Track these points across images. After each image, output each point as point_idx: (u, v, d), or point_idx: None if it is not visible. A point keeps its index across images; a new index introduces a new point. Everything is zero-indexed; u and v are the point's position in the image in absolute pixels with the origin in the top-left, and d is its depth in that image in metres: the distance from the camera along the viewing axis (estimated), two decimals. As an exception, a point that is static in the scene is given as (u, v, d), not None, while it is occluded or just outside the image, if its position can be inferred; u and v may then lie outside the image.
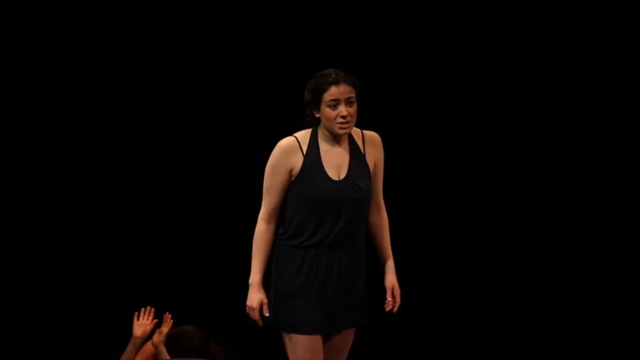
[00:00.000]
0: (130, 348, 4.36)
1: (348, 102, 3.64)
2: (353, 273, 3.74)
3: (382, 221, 3.85)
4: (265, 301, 3.72)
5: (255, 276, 3.73)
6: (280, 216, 3.74)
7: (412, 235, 6.57)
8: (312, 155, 3.66)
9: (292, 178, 3.67)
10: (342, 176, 3.67)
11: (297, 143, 3.69)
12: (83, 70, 6.80)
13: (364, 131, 3.80)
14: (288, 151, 3.68)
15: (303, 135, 3.73)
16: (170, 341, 4.46)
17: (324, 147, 3.68)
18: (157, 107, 6.99)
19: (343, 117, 3.62)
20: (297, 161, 3.66)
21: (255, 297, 3.73)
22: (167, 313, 4.56)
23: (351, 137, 3.74)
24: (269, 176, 3.69)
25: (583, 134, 7.08)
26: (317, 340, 3.70)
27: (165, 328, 4.49)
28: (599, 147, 7.07)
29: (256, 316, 3.72)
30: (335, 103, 3.62)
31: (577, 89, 7.06)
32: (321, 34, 6.98)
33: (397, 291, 3.82)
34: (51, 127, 6.78)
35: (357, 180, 3.68)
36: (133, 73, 6.87)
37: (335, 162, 3.68)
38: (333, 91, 3.62)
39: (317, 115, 3.68)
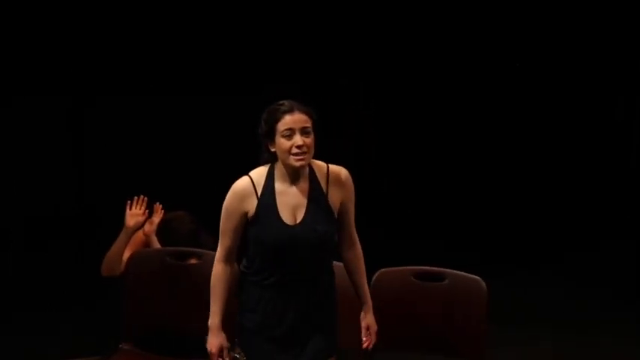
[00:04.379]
0: (121, 237, 4.25)
1: (304, 132, 3.37)
2: (319, 306, 3.52)
3: (357, 257, 3.59)
4: (226, 344, 3.53)
5: (214, 319, 3.52)
6: (242, 253, 3.51)
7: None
8: (267, 197, 3.43)
9: (248, 220, 3.44)
10: (298, 220, 3.43)
11: (251, 186, 3.43)
12: (83, 70, 6.83)
13: (330, 167, 3.50)
14: (241, 196, 3.43)
15: (259, 174, 3.46)
16: (162, 225, 4.36)
17: (280, 187, 3.44)
18: (157, 108, 7.01)
19: (299, 147, 3.35)
20: (251, 205, 3.43)
21: (215, 341, 3.53)
22: (158, 203, 4.46)
23: (312, 174, 3.48)
24: (223, 219, 3.46)
25: (583, 135, 7.09)
26: None
27: (156, 218, 4.40)
28: (599, 147, 7.08)
29: None
30: (290, 133, 3.36)
31: (577, 90, 7.08)
32: (318, 35, 7.01)
33: (373, 329, 3.63)
34: (51, 126, 6.80)
35: (315, 223, 3.42)
36: (132, 74, 6.90)
37: (291, 204, 3.45)
38: (287, 120, 3.36)
39: (272, 149, 3.41)
